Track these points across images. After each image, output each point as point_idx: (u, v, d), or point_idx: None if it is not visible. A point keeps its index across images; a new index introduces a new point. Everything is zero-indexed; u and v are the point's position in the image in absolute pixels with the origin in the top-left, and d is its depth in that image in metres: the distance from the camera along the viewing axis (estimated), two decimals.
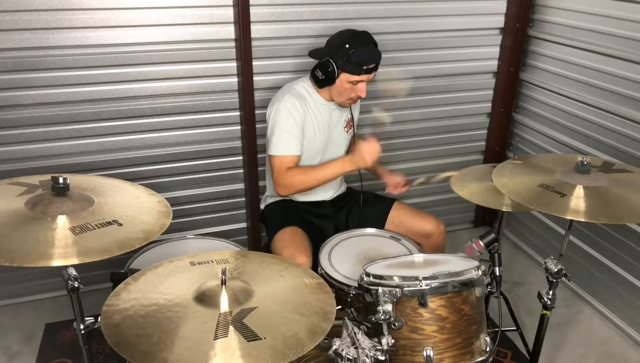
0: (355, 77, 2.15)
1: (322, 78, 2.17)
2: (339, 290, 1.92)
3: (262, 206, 2.51)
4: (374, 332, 1.64)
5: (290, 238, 2.18)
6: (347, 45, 2.12)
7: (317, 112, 2.26)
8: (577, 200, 1.70)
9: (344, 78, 2.16)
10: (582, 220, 1.64)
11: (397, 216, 2.37)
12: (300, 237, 2.20)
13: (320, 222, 2.38)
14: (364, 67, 2.13)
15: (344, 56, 2.12)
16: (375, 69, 2.18)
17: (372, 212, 2.39)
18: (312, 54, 2.28)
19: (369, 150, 2.12)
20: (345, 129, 2.40)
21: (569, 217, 1.65)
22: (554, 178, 1.82)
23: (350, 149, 2.48)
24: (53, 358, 2.37)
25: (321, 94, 2.27)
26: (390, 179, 2.42)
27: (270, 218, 2.39)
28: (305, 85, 2.27)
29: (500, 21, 2.98)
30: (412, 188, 2.42)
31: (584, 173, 1.80)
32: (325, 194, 2.43)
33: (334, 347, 1.49)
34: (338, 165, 2.21)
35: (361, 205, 2.43)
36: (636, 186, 1.80)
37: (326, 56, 2.16)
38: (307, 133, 2.24)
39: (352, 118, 2.43)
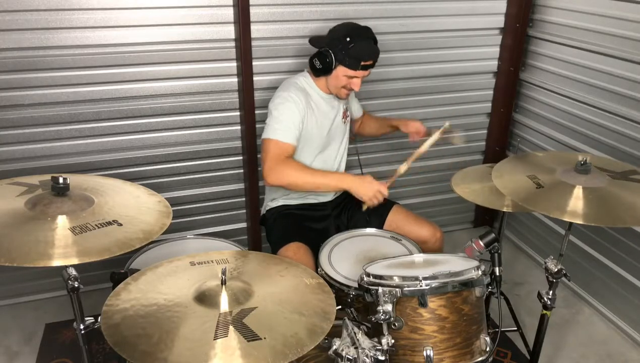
0: (352, 72, 2.16)
1: (320, 67, 2.18)
2: (338, 290, 1.92)
3: (263, 210, 2.51)
4: (374, 332, 1.64)
5: (293, 256, 2.14)
6: (347, 39, 2.12)
7: (318, 105, 2.27)
8: (576, 201, 1.69)
9: (341, 71, 2.17)
10: (581, 222, 1.63)
11: (394, 220, 2.36)
12: (303, 253, 2.16)
13: (322, 225, 2.38)
14: (362, 63, 2.14)
15: (343, 49, 2.13)
16: (372, 66, 2.20)
17: (371, 215, 2.39)
18: (313, 41, 2.26)
19: (372, 192, 2.13)
20: (343, 120, 2.41)
21: (567, 219, 1.65)
22: (554, 176, 1.81)
23: (349, 139, 2.49)
24: (53, 358, 2.37)
25: (320, 87, 2.28)
26: (409, 127, 2.46)
27: (272, 229, 2.37)
28: (305, 79, 2.29)
29: (500, 21, 2.98)
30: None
31: (583, 173, 1.80)
32: (326, 196, 2.42)
33: (334, 347, 1.48)
34: (336, 178, 2.23)
35: (360, 207, 2.42)
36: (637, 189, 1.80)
37: (326, 46, 2.17)
38: (309, 126, 2.24)
39: (348, 108, 2.45)
